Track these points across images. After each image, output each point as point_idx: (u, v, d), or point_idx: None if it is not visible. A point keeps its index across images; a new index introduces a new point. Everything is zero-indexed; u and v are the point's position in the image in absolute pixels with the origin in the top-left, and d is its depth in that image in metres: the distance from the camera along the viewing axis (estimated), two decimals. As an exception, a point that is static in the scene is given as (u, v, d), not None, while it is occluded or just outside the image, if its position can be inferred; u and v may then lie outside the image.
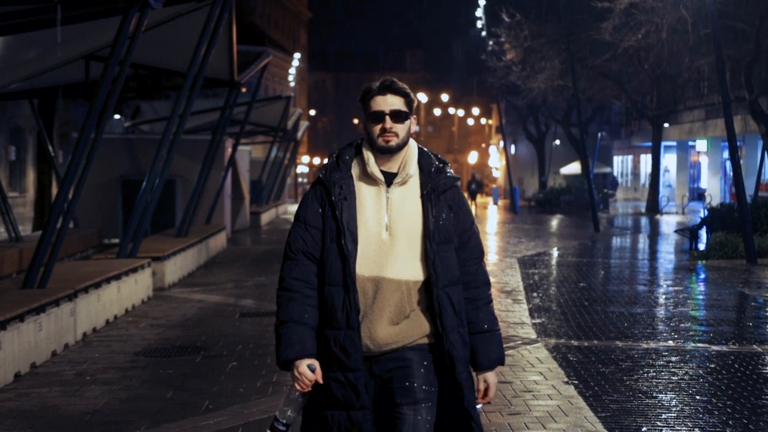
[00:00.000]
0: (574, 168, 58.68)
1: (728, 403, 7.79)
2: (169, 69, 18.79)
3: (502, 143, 56.24)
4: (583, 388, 8.25)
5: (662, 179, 52.97)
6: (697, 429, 6.99)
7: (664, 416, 7.33)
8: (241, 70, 21.44)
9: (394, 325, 3.94)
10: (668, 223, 35.60)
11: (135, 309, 13.47)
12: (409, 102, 4.03)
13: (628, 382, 8.48)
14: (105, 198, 25.22)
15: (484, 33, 48.19)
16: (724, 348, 10.26)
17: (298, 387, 3.93)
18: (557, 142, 61.65)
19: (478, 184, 49.27)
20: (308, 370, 3.93)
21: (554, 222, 37.93)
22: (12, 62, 15.03)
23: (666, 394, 8.07)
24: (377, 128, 3.99)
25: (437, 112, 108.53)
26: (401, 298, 3.94)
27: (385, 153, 4.00)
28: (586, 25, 35.50)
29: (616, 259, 22.06)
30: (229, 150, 25.96)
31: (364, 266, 3.93)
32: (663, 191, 50.27)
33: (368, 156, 4.03)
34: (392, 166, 4.04)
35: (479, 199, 48.52)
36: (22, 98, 24.41)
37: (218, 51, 18.06)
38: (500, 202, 60.29)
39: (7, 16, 11.39)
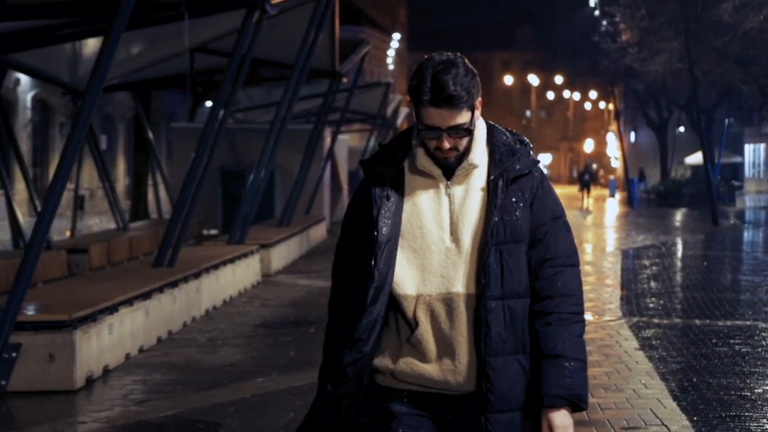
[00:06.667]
0: (700, 157, 59.73)
1: (776, 364, 10.10)
2: (269, 60, 21.61)
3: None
4: (651, 353, 10.58)
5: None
6: (734, 377, 9.31)
7: (714, 372, 9.63)
8: (341, 58, 24.07)
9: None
10: (798, 217, 37.16)
11: (247, 291, 16.16)
12: (471, 104, 3.43)
13: (692, 349, 10.78)
14: (204, 189, 27.79)
15: (597, 12, 50.06)
16: (795, 326, 12.47)
17: None
18: (681, 129, 62.90)
19: (591, 174, 50.87)
20: None
21: (672, 216, 39.76)
22: (119, 57, 17.90)
23: (723, 358, 10.34)
24: (432, 143, 3.47)
25: (550, 95, 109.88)
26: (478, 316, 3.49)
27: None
28: (706, 4, 36.94)
29: (723, 251, 24.06)
30: (328, 140, 28.63)
31: (430, 283, 3.49)
32: (798, 183, 51.35)
33: (418, 150, 3.54)
34: None
35: (594, 191, 50.18)
36: (122, 90, 27.45)
37: (321, 42, 20.71)
38: (618, 195, 61.96)
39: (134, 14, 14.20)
